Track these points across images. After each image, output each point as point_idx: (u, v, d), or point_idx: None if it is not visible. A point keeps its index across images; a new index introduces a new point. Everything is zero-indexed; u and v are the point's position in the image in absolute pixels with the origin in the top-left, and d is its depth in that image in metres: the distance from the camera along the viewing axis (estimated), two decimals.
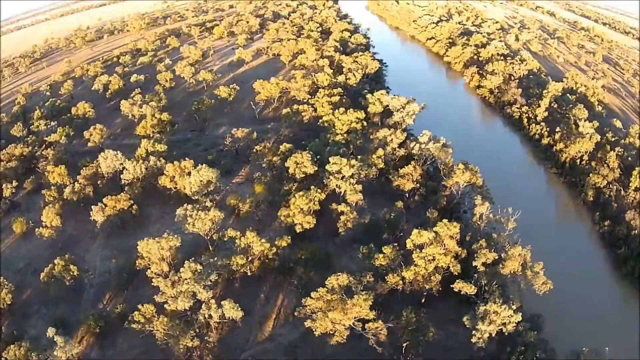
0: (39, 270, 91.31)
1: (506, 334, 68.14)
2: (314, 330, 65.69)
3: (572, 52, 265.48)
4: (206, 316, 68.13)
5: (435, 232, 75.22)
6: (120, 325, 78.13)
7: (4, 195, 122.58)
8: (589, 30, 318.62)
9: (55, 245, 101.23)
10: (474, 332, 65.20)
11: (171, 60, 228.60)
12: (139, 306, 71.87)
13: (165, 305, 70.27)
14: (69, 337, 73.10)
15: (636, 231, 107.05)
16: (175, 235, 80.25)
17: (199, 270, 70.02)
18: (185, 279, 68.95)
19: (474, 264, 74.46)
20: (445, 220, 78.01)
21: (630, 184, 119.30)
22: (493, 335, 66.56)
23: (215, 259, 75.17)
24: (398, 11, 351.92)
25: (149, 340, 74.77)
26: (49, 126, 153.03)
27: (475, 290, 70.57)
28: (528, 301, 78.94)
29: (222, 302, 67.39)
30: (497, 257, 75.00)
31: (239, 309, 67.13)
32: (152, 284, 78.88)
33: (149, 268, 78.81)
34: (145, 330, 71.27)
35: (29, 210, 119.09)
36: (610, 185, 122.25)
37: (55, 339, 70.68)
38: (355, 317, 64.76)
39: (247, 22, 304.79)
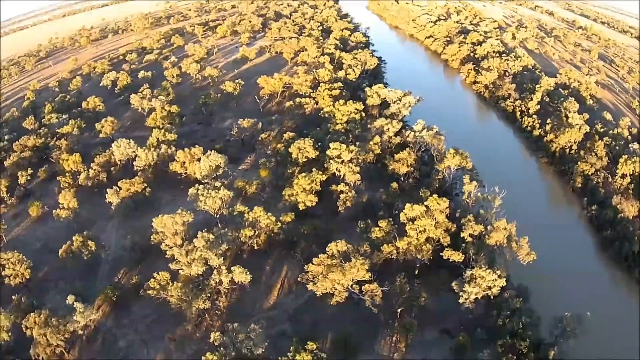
0: (55, 250, 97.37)
1: (492, 297, 74.23)
2: (315, 292, 71.86)
3: (569, 50, 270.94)
4: (217, 281, 74.30)
5: (426, 206, 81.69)
6: (135, 296, 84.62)
7: (19, 182, 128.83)
8: (587, 28, 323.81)
9: (71, 227, 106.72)
10: (461, 293, 71.38)
11: (177, 57, 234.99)
12: (155, 274, 77.97)
13: (180, 271, 76.47)
14: (88, 304, 79.17)
15: (622, 214, 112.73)
16: (188, 212, 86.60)
17: (211, 240, 76.29)
18: (199, 247, 75.16)
19: (462, 235, 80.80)
20: (435, 196, 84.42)
21: (617, 171, 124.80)
22: (479, 297, 72.67)
23: (226, 229, 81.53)
24: (397, 11, 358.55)
25: (162, 308, 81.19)
26: (60, 119, 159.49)
27: (463, 258, 76.79)
28: (517, 277, 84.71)
29: (232, 268, 73.80)
30: (483, 230, 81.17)
31: (248, 273, 73.31)
32: (166, 257, 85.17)
33: (163, 242, 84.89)
34: (159, 297, 77.35)
35: (43, 197, 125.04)
36: (598, 172, 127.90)
37: (75, 305, 76.46)
38: (353, 279, 71.01)
39: (250, 21, 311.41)
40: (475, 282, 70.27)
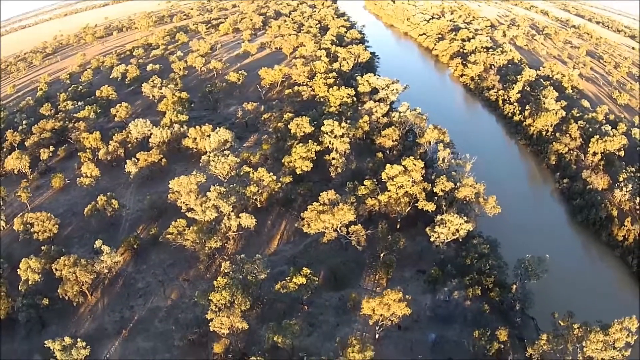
0: (79, 213, 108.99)
1: (462, 242, 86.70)
2: (309, 233, 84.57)
3: (557, 47, 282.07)
4: (227, 227, 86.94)
5: (404, 165, 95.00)
6: (153, 245, 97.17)
7: (40, 159, 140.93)
8: (579, 27, 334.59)
9: (92, 194, 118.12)
10: (432, 233, 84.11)
11: (182, 53, 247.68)
12: (172, 223, 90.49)
13: (195, 216, 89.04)
14: (113, 247, 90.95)
15: (591, 186, 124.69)
16: (201, 173, 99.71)
17: (222, 192, 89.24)
18: (211, 198, 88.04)
19: (434, 190, 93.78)
20: (411, 157, 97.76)
21: (589, 150, 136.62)
22: (449, 240, 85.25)
23: (234, 184, 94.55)
24: (393, 10, 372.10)
25: (177, 254, 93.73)
26: (76, 106, 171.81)
27: (435, 207, 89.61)
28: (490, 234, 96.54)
29: (240, 215, 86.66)
30: (454, 187, 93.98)
31: (253, 218, 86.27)
32: (181, 213, 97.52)
33: (179, 200, 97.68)
34: (176, 243, 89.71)
35: (63, 172, 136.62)
36: (571, 151, 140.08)
37: (102, 248, 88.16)
38: (341, 221, 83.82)
39: (251, 19, 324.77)
40: (444, 225, 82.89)
